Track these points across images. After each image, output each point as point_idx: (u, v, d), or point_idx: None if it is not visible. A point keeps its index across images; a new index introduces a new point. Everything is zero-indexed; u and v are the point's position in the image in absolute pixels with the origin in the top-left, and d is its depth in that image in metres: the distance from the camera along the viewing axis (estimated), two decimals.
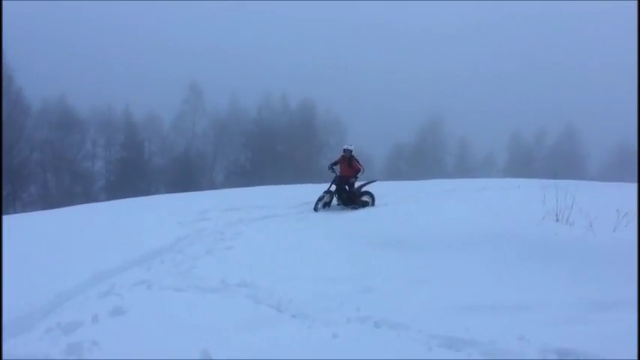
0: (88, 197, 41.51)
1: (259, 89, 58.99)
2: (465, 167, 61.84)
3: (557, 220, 7.49)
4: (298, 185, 19.27)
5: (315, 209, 12.38)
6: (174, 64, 71.59)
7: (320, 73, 78.84)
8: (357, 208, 12.58)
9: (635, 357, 3.64)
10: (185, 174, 49.68)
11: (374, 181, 14.13)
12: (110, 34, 78.67)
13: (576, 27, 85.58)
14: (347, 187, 12.92)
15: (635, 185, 14.52)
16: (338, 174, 13.03)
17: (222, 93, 58.80)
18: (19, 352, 3.81)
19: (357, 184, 13.16)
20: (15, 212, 29.46)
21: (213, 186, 47.56)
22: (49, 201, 38.99)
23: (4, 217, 9.83)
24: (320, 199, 12.58)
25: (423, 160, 62.12)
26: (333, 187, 12.87)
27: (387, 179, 28.72)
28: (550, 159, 61.00)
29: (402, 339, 4.19)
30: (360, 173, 12.98)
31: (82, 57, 72.65)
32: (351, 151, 13.14)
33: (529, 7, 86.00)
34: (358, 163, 13.05)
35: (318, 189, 13.03)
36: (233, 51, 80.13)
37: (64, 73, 63.97)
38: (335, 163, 13.28)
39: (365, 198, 12.98)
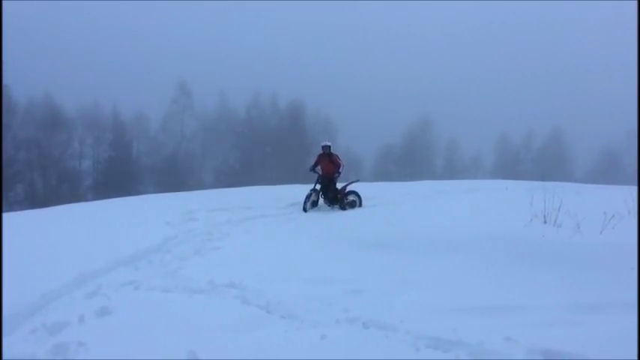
0: (75, 197, 41.09)
1: (248, 89, 58.95)
2: (453, 169, 62.27)
3: (545, 222, 7.56)
4: (287, 186, 19.25)
5: (305, 209, 12.39)
6: (163, 63, 71.48)
7: (309, 73, 79.03)
8: (345, 209, 12.64)
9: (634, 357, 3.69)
10: (174, 174, 49.49)
11: (357, 180, 14.25)
12: (97, 33, 78.31)
13: (564, 32, 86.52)
14: (331, 185, 12.98)
15: (621, 188, 14.70)
16: (321, 173, 13.08)
17: (211, 93, 58.71)
18: (3, 352, 3.76)
19: (340, 185, 13.23)
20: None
21: (202, 186, 47.34)
22: (36, 200, 38.67)
23: None
24: (308, 198, 12.60)
25: (411, 161, 62.45)
26: (319, 186, 12.92)
27: (375, 180, 28.83)
28: (537, 161, 61.63)
29: (390, 340, 4.19)
30: (341, 168, 13.04)
31: (68, 55, 72.31)
32: (330, 147, 13.23)
33: (517, 13, 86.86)
34: (338, 158, 13.14)
35: (307, 190, 13.03)
36: (222, 50, 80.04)
37: (50, 70, 63.48)
38: (315, 164, 13.32)
39: (351, 197, 13.03)
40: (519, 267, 6.07)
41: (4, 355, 3.74)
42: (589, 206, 8.01)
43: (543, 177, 15.11)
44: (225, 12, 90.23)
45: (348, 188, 13.22)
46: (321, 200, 13.12)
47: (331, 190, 13.00)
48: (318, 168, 13.24)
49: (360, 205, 12.96)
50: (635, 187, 10.80)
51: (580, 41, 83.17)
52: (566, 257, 6.05)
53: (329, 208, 12.97)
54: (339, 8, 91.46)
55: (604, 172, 53.53)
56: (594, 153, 61.35)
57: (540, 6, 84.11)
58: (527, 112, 69.60)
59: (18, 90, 42.98)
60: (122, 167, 49.84)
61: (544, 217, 7.68)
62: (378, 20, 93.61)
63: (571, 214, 7.32)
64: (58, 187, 44.95)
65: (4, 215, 11.70)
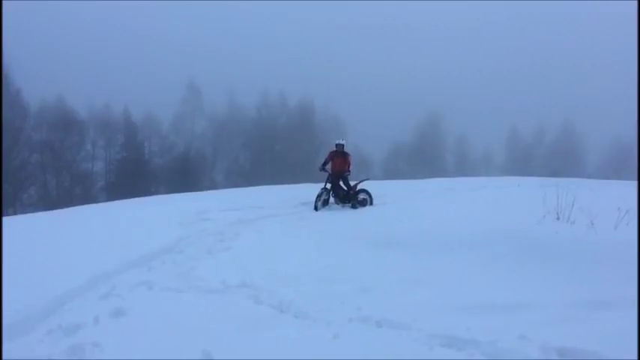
0: (88, 198, 41.48)
1: (258, 88, 59.07)
2: (464, 166, 61.92)
3: (558, 219, 7.50)
4: (297, 185, 19.26)
5: (316, 208, 12.40)
6: (172, 63, 71.74)
7: (318, 71, 78.96)
8: (356, 207, 12.63)
9: (635, 356, 3.64)
10: (185, 174, 49.65)
11: (367, 179, 14.24)
12: (107, 34, 78.81)
13: (574, 25, 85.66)
14: (342, 183, 13.00)
15: (634, 183, 14.54)
16: (330, 172, 13.08)
17: (220, 92, 58.90)
18: (19, 354, 3.80)
19: (351, 184, 13.23)
20: (15, 214, 29.43)
21: (213, 186, 47.57)
22: (49, 202, 39.01)
23: (4, 219, 9.81)
24: (319, 197, 12.61)
25: (421, 158, 62.17)
26: (329, 185, 12.92)
27: (385, 178, 28.75)
28: (549, 157, 61.15)
29: (403, 339, 4.18)
30: (351, 166, 13.10)
31: (78, 57, 72.73)
32: (344, 145, 13.26)
33: (527, 6, 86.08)
34: (349, 156, 13.21)
35: (318, 189, 13.05)
36: (231, 49, 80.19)
37: (62, 73, 63.96)
38: (325, 163, 13.31)
39: (362, 196, 13.02)
40: (532, 264, 6.03)
41: (19, 356, 3.78)
42: (603, 202, 7.94)
43: (555, 173, 14.97)
44: (234, 11, 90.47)
45: (359, 187, 13.22)
46: (331, 199, 13.12)
47: (342, 189, 13.02)
48: (328, 167, 13.25)
49: (371, 203, 12.95)
50: None
51: (591, 34, 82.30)
52: (580, 254, 6.00)
53: (339, 207, 12.96)
54: (346, 6, 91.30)
55: (617, 168, 52.96)
56: (606, 148, 60.72)
57: (549, 2, 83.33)
58: (537, 106, 69.07)
59: (30, 93, 43.40)
60: (134, 168, 50.06)
61: (557, 213, 7.62)
62: (386, 17, 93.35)
63: (584, 210, 7.25)
64: (71, 188, 45.30)
65: (19, 217, 11.84)
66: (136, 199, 15.70)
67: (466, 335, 4.11)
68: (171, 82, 59.11)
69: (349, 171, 13.13)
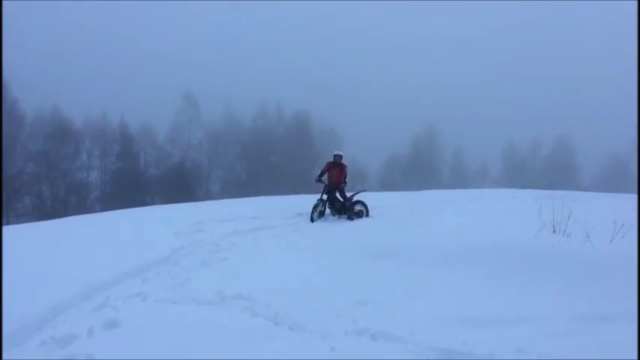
0: (83, 208, 41.33)
1: (254, 98, 59.19)
2: (460, 178, 62.10)
3: (554, 232, 7.51)
4: (293, 196, 19.25)
5: (312, 220, 12.38)
6: (169, 73, 71.77)
7: (315, 82, 79.21)
8: (352, 219, 12.61)
9: None
10: (180, 184, 49.54)
11: (363, 190, 14.24)
12: (104, 44, 78.83)
13: (570, 37, 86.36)
14: (338, 195, 12.99)
15: (630, 196, 14.61)
16: (327, 183, 13.08)
17: (216, 102, 58.97)
18: None
19: (347, 195, 13.24)
20: (9, 223, 29.27)
21: (208, 196, 47.45)
22: (44, 212, 38.82)
23: None
24: (315, 208, 12.60)
25: (417, 170, 62.32)
26: (325, 196, 12.92)
27: (382, 190, 28.78)
28: (544, 169, 61.37)
29: (399, 351, 4.16)
30: (347, 178, 13.10)
31: (75, 67, 72.74)
32: (342, 157, 13.27)
33: (523, 18, 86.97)
34: (346, 168, 13.22)
35: (313, 200, 13.03)
36: (228, 60, 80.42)
37: (58, 83, 63.95)
38: (322, 174, 13.33)
39: (358, 207, 13.01)
40: (529, 277, 6.03)
41: None
42: (598, 215, 7.95)
43: (551, 185, 15.04)
44: (231, 22, 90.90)
45: (355, 198, 13.22)
46: (328, 210, 13.11)
47: (338, 200, 13.02)
48: (325, 178, 13.26)
49: (367, 215, 12.94)
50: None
51: (587, 47, 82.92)
52: (577, 267, 6.01)
53: (335, 218, 12.95)
54: (343, 17, 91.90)
55: (612, 180, 53.16)
56: (602, 160, 61.00)
57: (544, 10, 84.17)
58: (533, 118, 69.42)
59: (26, 103, 43.39)
60: (129, 178, 49.98)
61: (553, 226, 7.64)
62: (383, 28, 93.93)
63: (580, 223, 7.27)
64: (65, 198, 45.12)
65: (12, 227, 11.76)
66: (131, 209, 15.63)
67: (463, 348, 4.09)
68: (168, 92, 59.20)
69: (345, 182, 13.15)
